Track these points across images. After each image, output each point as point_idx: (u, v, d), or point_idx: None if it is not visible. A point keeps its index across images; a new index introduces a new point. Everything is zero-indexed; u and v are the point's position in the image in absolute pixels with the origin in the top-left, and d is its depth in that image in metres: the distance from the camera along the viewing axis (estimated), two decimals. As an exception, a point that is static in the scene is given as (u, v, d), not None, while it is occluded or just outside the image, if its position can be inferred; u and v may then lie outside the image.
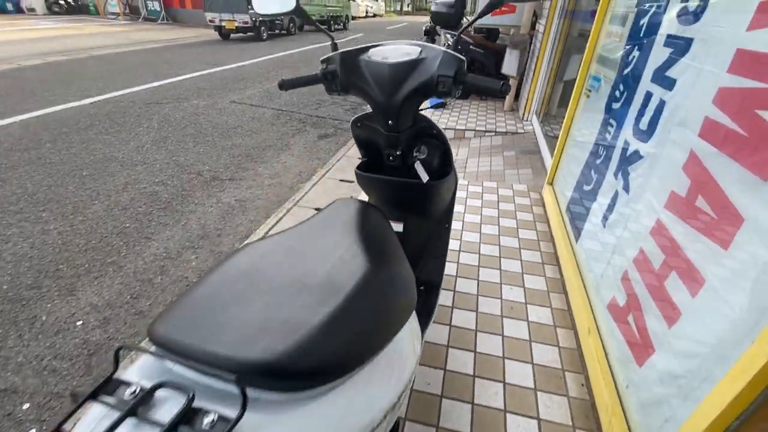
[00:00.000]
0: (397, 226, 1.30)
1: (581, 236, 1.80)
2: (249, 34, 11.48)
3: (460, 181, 2.82)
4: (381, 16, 31.06)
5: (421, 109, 1.15)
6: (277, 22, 12.55)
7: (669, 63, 1.22)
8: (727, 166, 0.87)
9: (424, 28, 5.42)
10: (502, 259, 1.98)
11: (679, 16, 1.21)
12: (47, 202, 2.68)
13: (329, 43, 1.13)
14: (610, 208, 1.49)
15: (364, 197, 1.37)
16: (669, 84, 1.19)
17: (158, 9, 15.79)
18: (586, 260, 1.70)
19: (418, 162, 1.16)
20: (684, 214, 1.01)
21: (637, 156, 1.33)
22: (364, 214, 0.89)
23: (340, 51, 1.08)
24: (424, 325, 1.29)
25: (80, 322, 1.80)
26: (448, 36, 5.05)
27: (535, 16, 4.31)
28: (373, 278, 0.67)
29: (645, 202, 1.23)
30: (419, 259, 1.41)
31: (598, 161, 1.72)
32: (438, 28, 5.41)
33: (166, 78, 6.15)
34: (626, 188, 1.38)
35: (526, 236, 2.18)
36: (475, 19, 0.99)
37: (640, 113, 1.35)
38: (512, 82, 4.49)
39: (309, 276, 0.65)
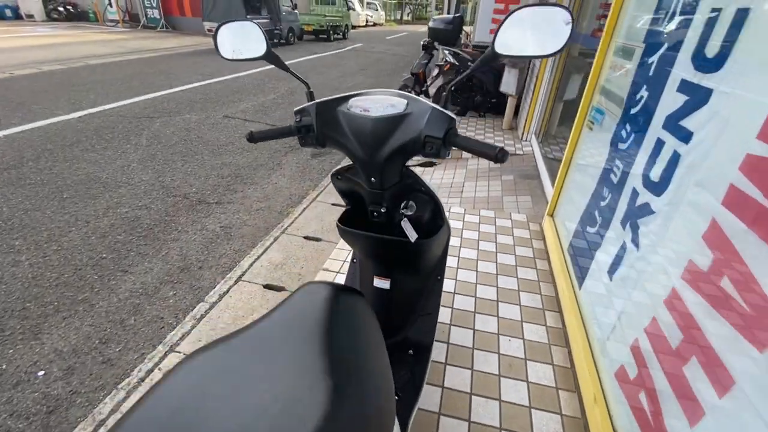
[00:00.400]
0: (383, 283, 1.17)
1: (585, 282, 1.67)
2: (247, 43, 11.42)
3: (456, 208, 2.70)
4: (381, 25, 31.20)
5: (409, 166, 1.03)
6: (275, 31, 12.51)
7: (684, 112, 1.10)
8: (760, 249, 0.75)
9: (422, 43, 5.33)
10: (500, 303, 1.85)
11: (694, 59, 1.10)
12: (22, 229, 2.54)
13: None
14: (618, 260, 1.36)
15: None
16: (684, 136, 1.07)
17: (158, 17, 15.77)
18: (590, 311, 1.58)
19: (406, 219, 1.04)
20: (705, 292, 0.89)
21: (647, 209, 1.21)
22: (338, 305, 0.76)
23: (315, 102, 0.97)
24: (413, 398, 1.16)
25: (42, 372, 1.65)
26: (446, 52, 4.97)
27: (535, 34, 4.23)
28: (333, 426, 0.54)
29: (657, 265, 1.11)
30: (408, 317, 1.29)
31: (602, 203, 1.60)
32: (436, 43, 5.33)
33: (160, 90, 6.04)
34: (635, 243, 1.25)
35: (525, 276, 2.06)
36: (467, 74, 0.88)
37: (651, 161, 1.23)
38: (511, 101, 4.40)
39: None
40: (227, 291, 2.11)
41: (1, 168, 3.30)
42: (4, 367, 1.66)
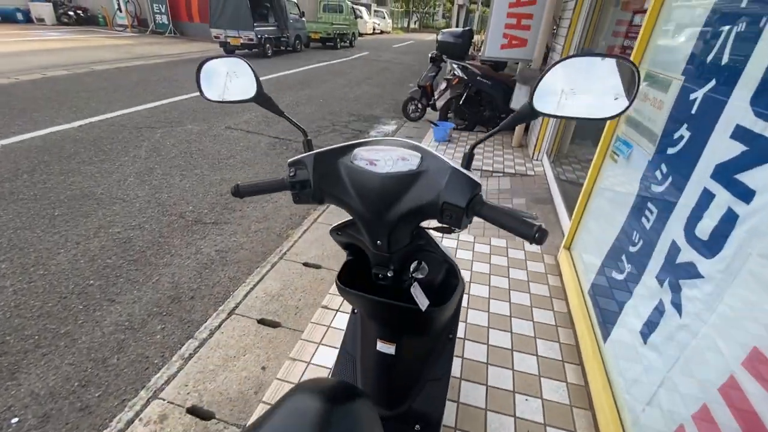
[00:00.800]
0: (388, 348, 1.02)
1: (610, 336, 1.51)
2: (254, 50, 11.41)
3: (465, 236, 2.54)
4: (388, 33, 31.29)
5: (426, 228, 0.89)
6: (282, 39, 12.49)
7: (741, 164, 0.95)
8: None
9: (430, 56, 5.22)
10: (514, 353, 1.69)
11: (756, 101, 0.95)
12: (10, 250, 2.42)
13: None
14: (653, 323, 1.20)
15: None
16: (743, 193, 0.92)
17: (166, 22, 15.84)
18: (617, 372, 1.41)
19: (416, 284, 0.89)
20: (780, 395, 0.73)
21: (692, 270, 1.05)
22: (335, 414, 0.61)
23: (313, 152, 0.83)
24: None
25: (16, 420, 1.51)
26: (455, 66, 4.85)
27: (548, 50, 4.10)
28: None
29: (708, 342, 0.95)
30: (414, 384, 1.13)
31: (632, 248, 1.45)
32: (444, 56, 5.21)
33: (163, 98, 5.96)
34: (677, 307, 1.10)
35: (541, 319, 1.90)
36: (493, 133, 0.74)
37: (696, 215, 1.08)
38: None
39: None
40: (219, 326, 1.97)
41: (-6, 181, 3.19)
42: (-28, 413, 1.52)
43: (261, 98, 0.86)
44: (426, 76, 5.47)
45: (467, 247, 2.40)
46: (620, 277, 1.51)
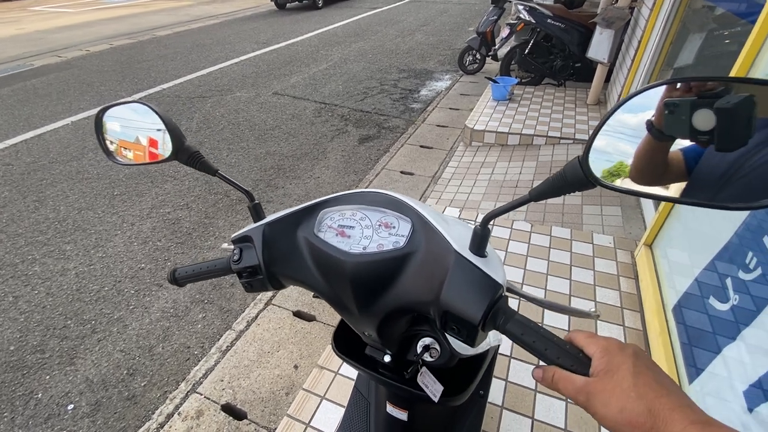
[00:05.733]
0: (399, 414, 0.84)
1: (697, 380, 1.20)
2: (305, 2, 10.94)
3: (520, 224, 2.22)
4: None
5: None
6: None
7: None
8: None
9: (492, -7, 4.53)
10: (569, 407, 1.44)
11: None
12: (74, 231, 2.60)
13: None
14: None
15: None
16: None
17: (221, -22, 15.70)
18: None
19: (425, 371, 0.68)
20: None
21: None
22: None
23: (262, 223, 0.62)
24: None
25: (72, 407, 1.64)
26: (520, 7, 4.14)
27: (641, -21, 3.28)
28: None
29: None
30: None
31: (749, 277, 1.08)
32: (509, -5, 4.48)
33: (216, 63, 5.96)
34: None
35: (610, 333, 1.60)
36: (514, 207, 0.46)
37: None
38: (601, 69, 3.57)
39: None
40: (256, 317, 1.95)
41: (65, 159, 3.43)
42: (39, 396, 1.68)
43: (183, 155, 0.63)
44: (486, 20, 4.79)
45: (522, 238, 2.09)
46: (723, 307, 1.16)
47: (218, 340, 1.88)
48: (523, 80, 4.37)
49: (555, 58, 4.23)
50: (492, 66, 5.21)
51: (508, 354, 1.54)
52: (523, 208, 2.46)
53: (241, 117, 4.18)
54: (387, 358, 0.67)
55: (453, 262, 0.48)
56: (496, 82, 3.82)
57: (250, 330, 1.90)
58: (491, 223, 0.48)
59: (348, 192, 0.62)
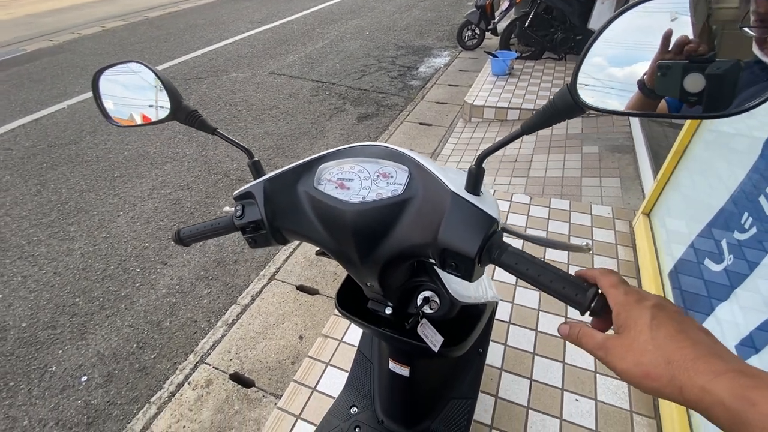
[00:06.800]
0: (401, 369, 0.88)
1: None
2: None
3: (520, 197, 2.23)
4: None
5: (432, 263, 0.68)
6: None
7: None
8: None
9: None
10: (567, 350, 1.48)
11: None
12: (77, 213, 2.62)
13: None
14: (763, 341, 0.92)
15: None
16: None
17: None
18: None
19: (425, 323, 0.71)
20: None
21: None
22: None
23: (262, 179, 0.64)
24: None
25: (85, 378, 1.70)
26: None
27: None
28: None
29: None
30: (435, 403, 1.00)
31: (744, 236, 1.11)
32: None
33: (210, 44, 5.87)
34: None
35: (604, 300, 1.64)
36: (509, 140, 0.47)
37: None
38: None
39: None
40: (260, 291, 1.99)
41: (63, 143, 3.42)
42: (53, 369, 1.73)
43: (181, 114, 0.63)
44: (485, -7, 4.68)
45: (521, 211, 2.11)
46: (717, 267, 1.19)
47: (224, 314, 1.92)
48: (523, 54, 4.30)
49: (556, 30, 4.15)
50: (491, 41, 5.12)
51: (507, 320, 1.58)
52: (522, 181, 2.47)
53: (238, 97, 4.15)
54: (388, 310, 0.70)
55: (449, 202, 0.50)
56: (496, 57, 3.77)
57: (255, 304, 1.94)
58: (485, 162, 0.50)
59: (345, 146, 0.63)
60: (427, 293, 0.74)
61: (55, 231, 2.47)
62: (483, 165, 0.50)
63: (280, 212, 0.63)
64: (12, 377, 1.69)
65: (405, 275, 0.67)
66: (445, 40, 5.63)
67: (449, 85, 4.19)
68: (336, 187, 0.60)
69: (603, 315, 0.41)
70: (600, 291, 0.41)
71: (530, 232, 1.99)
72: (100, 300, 2.03)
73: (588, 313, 0.42)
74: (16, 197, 2.77)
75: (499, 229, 0.50)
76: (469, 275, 0.50)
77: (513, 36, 4.43)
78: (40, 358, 1.78)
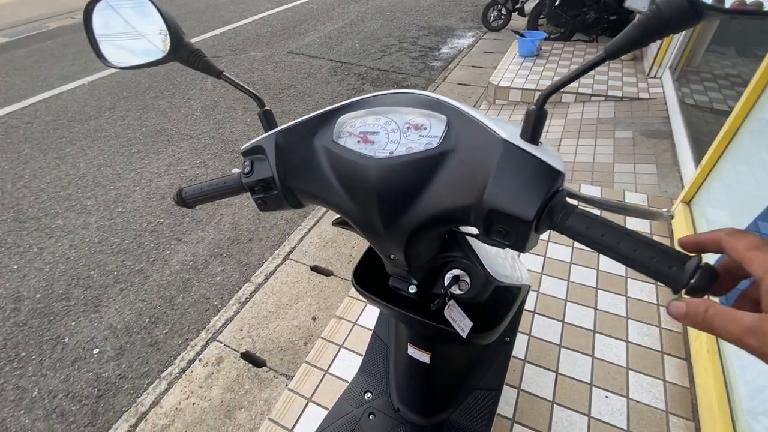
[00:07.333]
0: (421, 356, 0.80)
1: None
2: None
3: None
4: None
5: (459, 231, 0.59)
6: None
7: None
8: None
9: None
10: (597, 335, 1.38)
11: None
12: (94, 187, 2.61)
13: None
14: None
15: None
16: None
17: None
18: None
19: (453, 305, 0.62)
20: None
21: None
22: None
23: (274, 131, 0.55)
24: None
25: (97, 351, 1.68)
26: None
27: None
28: None
29: None
30: (456, 393, 0.92)
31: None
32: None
33: (229, 23, 5.79)
34: None
35: (641, 291, 1.52)
36: (585, 71, 0.37)
37: None
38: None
39: None
40: (274, 271, 1.94)
41: (83, 118, 3.42)
42: (66, 340, 1.72)
43: (183, 53, 0.55)
44: (513, -29, 4.45)
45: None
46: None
47: (237, 291, 1.88)
48: (552, 35, 4.09)
49: (588, 10, 3.92)
50: (518, 22, 4.89)
51: (532, 309, 1.49)
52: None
53: (256, 76, 4.08)
54: (413, 289, 0.62)
55: (501, 153, 0.41)
56: (524, 36, 3.58)
57: (269, 283, 1.89)
58: (549, 102, 0.41)
59: (370, 95, 0.54)
60: (457, 271, 0.65)
61: (72, 204, 2.47)
62: (545, 107, 0.41)
63: (294, 169, 0.54)
64: (24, 348, 1.69)
65: (434, 248, 0.58)
66: (469, 21, 5.42)
67: (473, 66, 4.02)
68: (358, 141, 0.51)
69: (707, 293, 0.32)
70: (703, 262, 0.32)
71: (554, 248, 1.87)
72: (114, 274, 2.01)
73: (685, 291, 0.32)
74: (34, 170, 2.79)
75: (563, 189, 0.41)
76: (521, 244, 0.41)
77: (541, 16, 4.21)
78: (53, 329, 1.77)
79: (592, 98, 2.95)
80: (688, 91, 2.67)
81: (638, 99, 2.82)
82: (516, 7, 4.59)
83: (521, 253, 0.47)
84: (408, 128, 0.49)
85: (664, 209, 0.42)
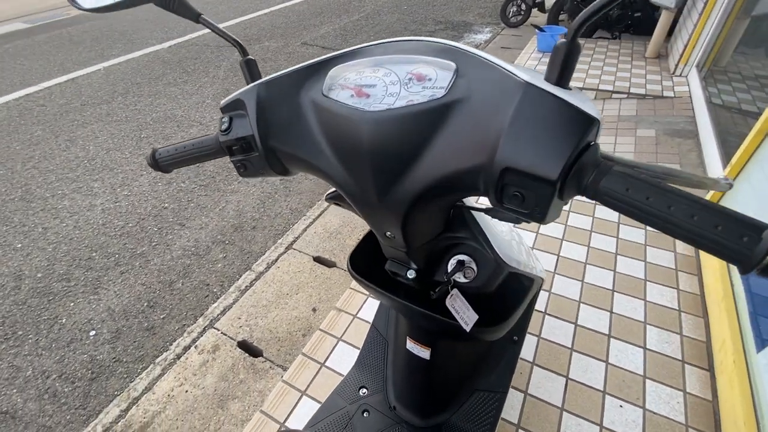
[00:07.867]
0: (421, 351, 0.73)
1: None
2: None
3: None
4: None
5: (466, 206, 0.52)
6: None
7: None
8: None
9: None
10: (612, 340, 1.29)
11: None
12: (102, 170, 2.60)
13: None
14: None
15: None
16: None
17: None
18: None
19: (456, 294, 0.55)
20: None
21: None
22: None
23: (257, 82, 0.49)
24: None
25: (93, 333, 1.65)
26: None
27: None
28: None
29: None
30: (457, 394, 0.85)
31: None
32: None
33: (245, 14, 5.79)
34: None
35: (659, 300, 1.42)
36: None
37: None
38: (666, 16, 3.15)
39: None
40: (276, 260, 1.89)
41: (96, 102, 3.43)
42: (63, 321, 1.70)
43: None
44: (535, -35, 4.33)
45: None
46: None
47: (237, 279, 1.84)
48: (572, 32, 3.96)
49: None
50: (537, 19, 4.76)
51: (543, 310, 1.41)
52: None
53: (269, 66, 4.04)
54: (411, 274, 0.55)
55: (520, 98, 0.33)
56: (543, 31, 3.48)
57: (270, 272, 1.84)
58: (582, 32, 0.33)
59: (368, 44, 0.47)
60: (462, 257, 0.58)
61: (80, 186, 2.46)
62: (579, 40, 0.34)
63: (278, 127, 0.48)
64: (21, 326, 1.67)
65: (437, 226, 0.51)
66: (487, 16, 5.31)
67: (489, 62, 3.92)
68: (352, 95, 0.44)
69: None
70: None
71: (572, 225, 1.78)
72: (116, 256, 1.99)
73: (758, 270, 0.25)
74: (45, 151, 2.79)
75: (598, 144, 0.34)
76: (541, 212, 0.34)
77: (562, 11, 4.09)
78: (51, 309, 1.75)
79: (614, 95, 2.83)
80: (716, 91, 2.54)
81: (662, 97, 2.69)
82: (536, 2, 4.47)
83: (542, 225, 0.40)
84: (410, 79, 0.42)
85: (721, 177, 0.35)
